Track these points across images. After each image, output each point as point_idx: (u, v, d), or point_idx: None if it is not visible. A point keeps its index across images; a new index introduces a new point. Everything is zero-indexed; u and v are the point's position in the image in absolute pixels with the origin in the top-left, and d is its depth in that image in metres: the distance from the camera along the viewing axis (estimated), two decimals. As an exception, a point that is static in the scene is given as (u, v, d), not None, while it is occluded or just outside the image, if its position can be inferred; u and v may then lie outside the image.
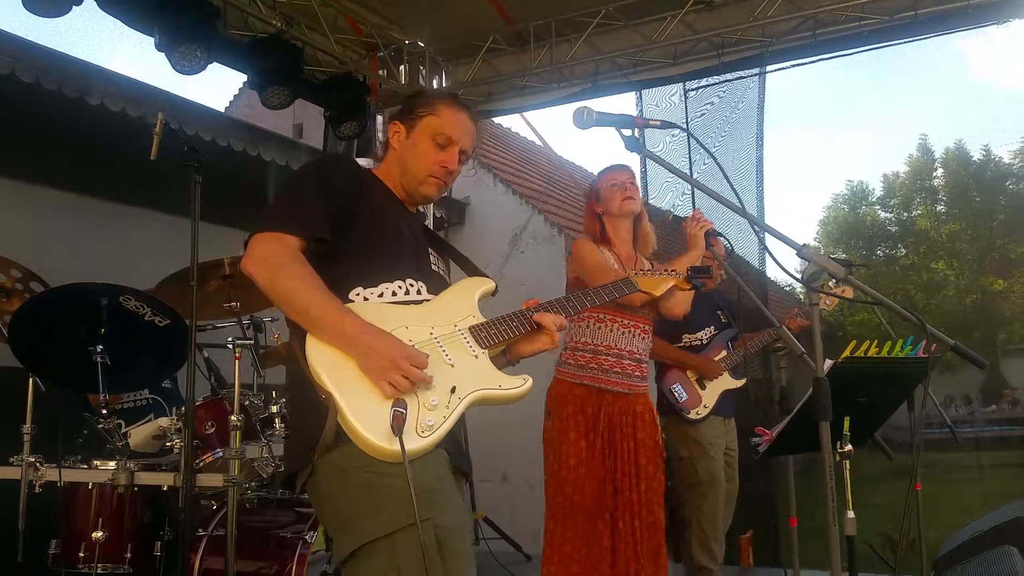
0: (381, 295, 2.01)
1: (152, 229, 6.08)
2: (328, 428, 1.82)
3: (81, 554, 3.08)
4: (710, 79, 6.14)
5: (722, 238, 2.93)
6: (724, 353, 4.54)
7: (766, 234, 2.14)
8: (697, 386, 4.45)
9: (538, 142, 11.71)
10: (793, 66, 5.97)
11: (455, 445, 2.03)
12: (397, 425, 1.74)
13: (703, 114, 6.32)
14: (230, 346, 3.19)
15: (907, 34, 5.64)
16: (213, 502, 3.44)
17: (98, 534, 3.08)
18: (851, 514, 2.30)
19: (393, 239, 2.09)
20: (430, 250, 2.23)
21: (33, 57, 4.99)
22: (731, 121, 6.34)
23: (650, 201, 6.51)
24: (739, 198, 2.16)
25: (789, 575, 3.14)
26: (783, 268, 1.97)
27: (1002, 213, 26.11)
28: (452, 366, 1.95)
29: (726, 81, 6.09)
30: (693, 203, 6.20)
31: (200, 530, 3.25)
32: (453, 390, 1.90)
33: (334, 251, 1.99)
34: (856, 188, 30.24)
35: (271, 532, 3.22)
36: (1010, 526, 3.64)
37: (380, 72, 6.46)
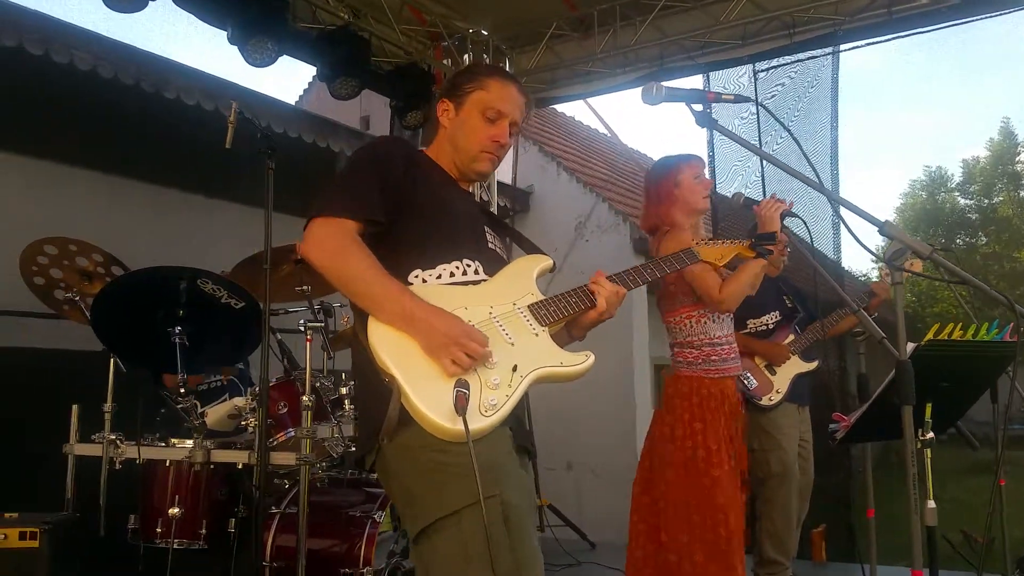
0: (439, 276, 2.01)
1: (225, 218, 6.25)
2: (392, 410, 1.83)
3: (159, 529, 3.18)
4: (781, 59, 5.99)
5: (799, 219, 2.85)
6: (792, 337, 4.43)
7: (843, 213, 2.06)
8: (767, 372, 4.35)
9: (602, 129, 11.61)
10: (868, 44, 5.77)
11: (518, 423, 2.03)
12: (461, 405, 1.75)
13: (774, 95, 6.17)
14: (302, 329, 3.25)
15: (987, 9, 5.40)
16: (286, 480, 3.52)
17: (175, 510, 3.18)
18: (932, 504, 2.19)
19: (450, 220, 2.09)
20: (486, 228, 2.22)
21: (113, 53, 5.15)
22: (804, 102, 6.17)
23: (717, 187, 6.40)
24: (817, 175, 2.10)
25: (866, 570, 3.02)
26: (860, 243, 1.90)
27: (1091, 198, 24.92)
28: (512, 344, 1.95)
29: (798, 61, 5.93)
30: (763, 188, 6.09)
31: (273, 507, 3.32)
32: (515, 368, 1.90)
33: (391, 234, 2.01)
34: (934, 174, 29.19)
35: (341, 511, 3.27)
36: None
37: (444, 61, 6.49)
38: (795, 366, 4.35)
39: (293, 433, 3.31)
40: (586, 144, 11.95)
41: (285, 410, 3.36)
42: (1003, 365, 2.51)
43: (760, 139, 6.09)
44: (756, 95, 6.09)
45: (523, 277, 2.11)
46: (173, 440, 3.29)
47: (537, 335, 2.00)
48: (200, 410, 3.40)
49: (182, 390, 3.16)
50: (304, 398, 3.16)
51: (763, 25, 5.86)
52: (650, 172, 3.60)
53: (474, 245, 2.12)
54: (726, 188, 6.30)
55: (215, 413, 3.36)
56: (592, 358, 2.01)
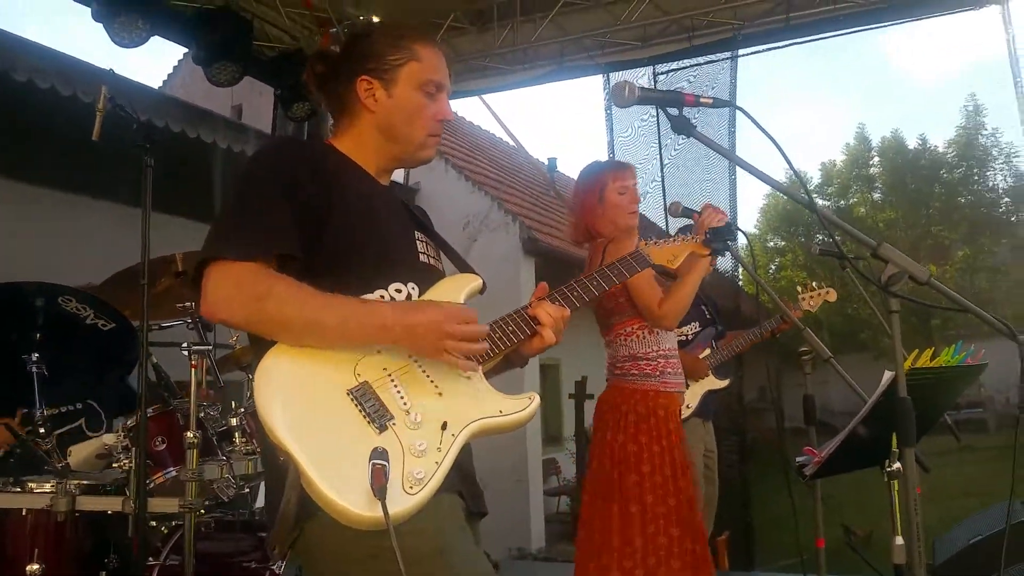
0: None
1: (91, 218, 5.61)
2: (286, 504, 1.44)
3: (14, 589, 2.72)
4: (680, 62, 5.92)
5: (741, 232, 2.70)
6: (708, 351, 4.32)
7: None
8: None
9: (496, 126, 11.45)
10: (767, 50, 5.80)
11: (468, 483, 1.69)
12: (378, 484, 1.38)
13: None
14: (185, 352, 2.82)
15: (882, 19, 5.51)
16: (164, 526, 3.08)
17: (33, 567, 2.71)
18: (900, 540, 2.07)
19: (378, 236, 1.72)
20: (417, 235, 1.86)
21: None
22: (702, 106, 6.11)
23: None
24: (806, 190, 1.92)
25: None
26: (859, 270, 1.74)
27: (937, 201, 26.71)
28: (440, 395, 1.59)
29: (697, 65, 5.87)
30: (663, 191, 6.00)
31: (151, 559, 2.88)
32: (444, 426, 1.55)
33: (310, 263, 1.62)
34: (794, 176, 30.56)
35: (232, 561, 2.87)
36: (1020, 531, 3.46)
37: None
38: (708, 382, 4.25)
39: (174, 473, 2.88)
40: (471, 141, 11.70)
41: (164, 446, 2.91)
42: (966, 385, 2.44)
43: (660, 142, 6.01)
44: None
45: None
46: (30, 484, 2.80)
47: (469, 378, 1.65)
48: (54, 443, 2.91)
49: (41, 429, 2.68)
50: (188, 434, 2.74)
51: (663, 27, 5.81)
52: (577, 180, 3.38)
53: (407, 262, 1.76)
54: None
55: (80, 452, 2.87)
56: (536, 401, 1.67)
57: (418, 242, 1.84)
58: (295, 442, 1.43)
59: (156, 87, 11.55)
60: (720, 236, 2.29)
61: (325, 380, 1.53)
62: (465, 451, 1.63)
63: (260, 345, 1.58)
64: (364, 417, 1.50)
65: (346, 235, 1.66)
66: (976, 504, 5.37)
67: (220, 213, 1.62)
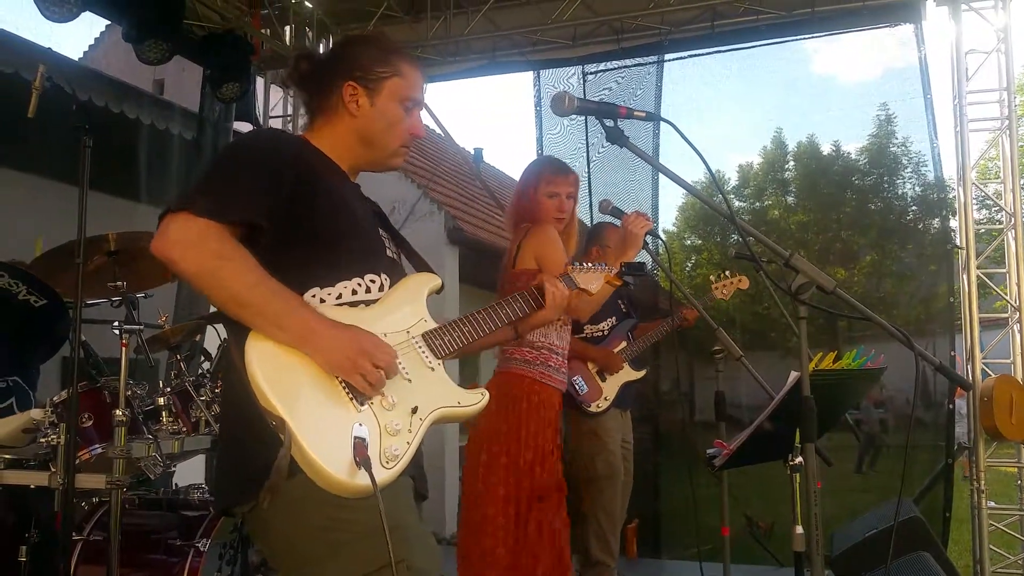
0: (339, 296, 1.76)
1: (15, 192, 5.45)
2: (280, 462, 1.55)
3: (-70, 564, 2.71)
4: (609, 64, 6.11)
5: (660, 239, 2.87)
6: (624, 344, 4.49)
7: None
8: (598, 378, 4.38)
9: (424, 114, 11.41)
10: (691, 56, 6.01)
11: (418, 469, 1.83)
12: (361, 456, 1.55)
13: (601, 99, 6.27)
14: (116, 331, 2.84)
15: (803, 31, 5.78)
16: (85, 502, 3.09)
17: (-49, 541, 2.71)
18: (799, 529, 2.26)
19: (351, 228, 1.83)
20: (382, 232, 1.99)
21: None
22: (635, 119, 6.31)
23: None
24: (727, 202, 2.08)
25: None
26: (770, 277, 1.91)
27: (848, 206, 27.66)
28: (410, 382, 1.75)
29: (625, 67, 6.06)
30: (589, 189, 6.17)
31: (74, 534, 2.90)
32: (414, 410, 1.72)
33: (283, 246, 1.71)
34: (714, 184, 31.30)
35: (157, 537, 2.91)
36: (908, 527, 3.72)
37: (263, 31, 6.05)
38: (625, 374, 4.41)
39: (99, 450, 2.88)
40: (401, 128, 11.67)
41: (90, 423, 2.92)
42: (867, 388, 2.65)
43: (587, 141, 6.18)
44: (584, 95, 6.16)
45: (414, 300, 1.88)
46: (-50, 458, 2.78)
47: (433, 370, 1.81)
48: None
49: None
50: (117, 411, 2.76)
51: (593, 28, 5.98)
52: (524, 169, 3.45)
53: (378, 256, 1.89)
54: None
55: (5, 427, 2.86)
56: (487, 396, 1.87)
57: (384, 239, 1.97)
58: (289, 412, 1.57)
59: (76, 59, 11.20)
60: (632, 271, 2.54)
61: None
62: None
63: (235, 331, 1.67)
64: (347, 394, 1.64)
65: (330, 222, 1.78)
66: (874, 499, 5.68)
67: (202, 176, 1.75)
